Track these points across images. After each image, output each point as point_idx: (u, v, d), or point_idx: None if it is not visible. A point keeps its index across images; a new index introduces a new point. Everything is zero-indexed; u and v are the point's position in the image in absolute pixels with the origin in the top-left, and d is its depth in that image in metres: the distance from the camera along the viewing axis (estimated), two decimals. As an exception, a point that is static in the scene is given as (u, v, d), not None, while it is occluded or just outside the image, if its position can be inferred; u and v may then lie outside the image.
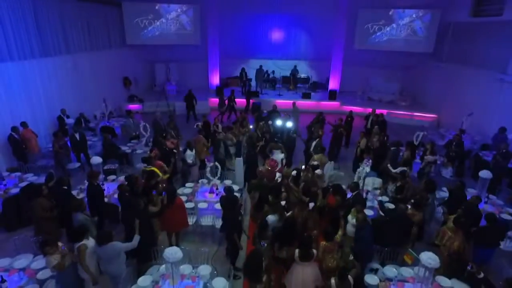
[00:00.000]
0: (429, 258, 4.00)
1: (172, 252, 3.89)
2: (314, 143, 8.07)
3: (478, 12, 12.88)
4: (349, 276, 4.01)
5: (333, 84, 16.90)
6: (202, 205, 6.38)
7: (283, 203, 5.70)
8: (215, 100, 15.82)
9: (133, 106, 14.42)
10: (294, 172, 6.23)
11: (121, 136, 10.81)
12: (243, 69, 16.94)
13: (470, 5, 13.11)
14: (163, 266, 4.59)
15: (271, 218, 4.99)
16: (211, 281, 4.49)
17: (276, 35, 18.03)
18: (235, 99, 13.74)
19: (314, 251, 4.30)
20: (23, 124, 8.53)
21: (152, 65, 17.62)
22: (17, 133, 8.26)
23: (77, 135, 8.77)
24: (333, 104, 15.83)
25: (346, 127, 10.44)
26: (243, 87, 16.81)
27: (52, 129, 9.97)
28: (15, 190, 6.69)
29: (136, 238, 4.54)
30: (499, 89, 10.95)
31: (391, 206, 6.19)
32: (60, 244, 4.39)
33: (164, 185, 5.56)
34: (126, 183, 5.86)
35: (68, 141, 8.73)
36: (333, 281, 3.99)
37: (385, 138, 8.83)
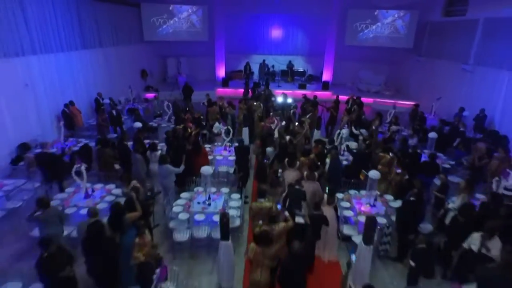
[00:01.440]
0: (374, 173, 6.10)
1: (206, 168, 6.01)
2: (308, 116, 10.27)
3: (448, 13, 14.95)
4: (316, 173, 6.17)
5: (326, 76, 18.98)
6: (219, 157, 8.54)
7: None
8: (221, 90, 18.07)
9: (150, 95, 16.50)
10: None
11: (144, 116, 12.90)
12: (247, 63, 19.00)
13: (442, 6, 15.20)
14: (197, 188, 6.70)
15: (269, 149, 7.19)
16: (229, 195, 6.61)
17: (276, 33, 20.19)
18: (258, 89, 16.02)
19: (298, 162, 6.49)
20: (71, 102, 10.68)
21: (164, 60, 19.73)
22: (68, 109, 10.39)
23: (114, 112, 10.88)
24: (326, 94, 17.92)
25: (335, 108, 12.63)
26: (246, 79, 18.88)
27: (89, 109, 12.11)
28: (75, 148, 8.82)
29: (182, 166, 6.68)
30: (462, 77, 13.05)
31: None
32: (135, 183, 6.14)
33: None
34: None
35: (108, 117, 10.83)
36: (305, 172, 6.20)
37: (361, 114, 11.02)
